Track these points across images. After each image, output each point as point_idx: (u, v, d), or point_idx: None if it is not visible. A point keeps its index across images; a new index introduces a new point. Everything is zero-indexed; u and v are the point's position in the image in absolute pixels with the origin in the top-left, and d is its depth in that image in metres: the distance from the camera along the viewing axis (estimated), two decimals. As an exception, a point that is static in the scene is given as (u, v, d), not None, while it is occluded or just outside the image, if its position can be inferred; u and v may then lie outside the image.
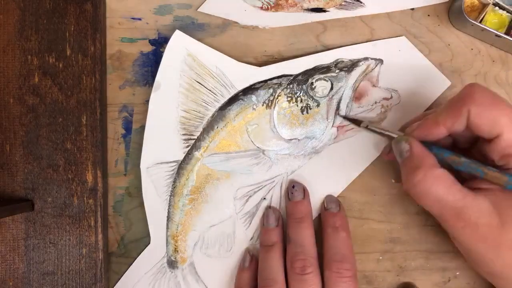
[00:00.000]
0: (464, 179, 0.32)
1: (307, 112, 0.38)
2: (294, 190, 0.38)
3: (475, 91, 0.31)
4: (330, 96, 0.37)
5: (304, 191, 0.38)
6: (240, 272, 0.38)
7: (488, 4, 0.37)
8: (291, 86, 0.38)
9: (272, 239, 0.37)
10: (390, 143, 0.34)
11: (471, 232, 0.30)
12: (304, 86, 0.38)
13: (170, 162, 0.38)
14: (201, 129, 0.38)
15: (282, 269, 0.36)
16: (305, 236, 0.36)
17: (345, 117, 0.37)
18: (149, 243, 0.39)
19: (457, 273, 0.39)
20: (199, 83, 0.38)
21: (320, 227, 0.38)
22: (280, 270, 0.35)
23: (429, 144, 0.32)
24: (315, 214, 0.39)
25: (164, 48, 0.38)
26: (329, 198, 0.38)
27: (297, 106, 0.38)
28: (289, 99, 0.38)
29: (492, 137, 0.30)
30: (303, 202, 0.37)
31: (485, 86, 0.31)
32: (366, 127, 0.36)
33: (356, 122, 0.37)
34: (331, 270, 0.35)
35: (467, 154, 0.32)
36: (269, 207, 0.39)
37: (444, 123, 0.31)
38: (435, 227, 0.39)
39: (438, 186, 0.30)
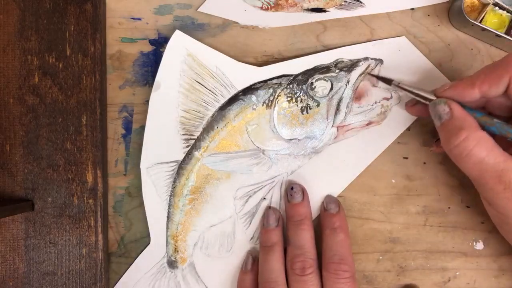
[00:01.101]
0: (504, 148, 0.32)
1: (307, 112, 0.38)
2: (293, 192, 0.38)
3: None
4: (330, 96, 0.37)
5: (303, 192, 0.38)
6: (242, 275, 0.38)
7: (488, 4, 0.37)
8: (291, 86, 0.38)
9: (272, 239, 0.37)
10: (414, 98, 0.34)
11: (511, 195, 0.30)
12: (304, 86, 0.38)
13: (170, 162, 0.38)
14: (201, 129, 0.38)
15: (283, 270, 0.36)
16: (305, 238, 0.36)
17: (377, 76, 0.37)
18: (149, 243, 0.39)
19: (457, 273, 0.39)
20: (199, 83, 0.38)
21: (320, 227, 0.38)
22: (280, 271, 0.35)
23: (461, 104, 0.32)
24: (315, 214, 0.39)
25: (164, 48, 0.38)
26: (328, 198, 0.38)
27: (297, 106, 0.38)
28: (289, 99, 0.38)
29: None
30: (302, 204, 0.37)
31: None
32: (397, 85, 0.35)
33: (386, 80, 0.36)
34: (329, 271, 0.35)
35: None
36: (269, 208, 0.39)
37: (480, 86, 0.31)
38: (435, 227, 0.39)
39: (481, 148, 0.30)
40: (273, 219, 0.38)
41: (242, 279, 0.38)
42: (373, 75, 0.37)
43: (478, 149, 0.30)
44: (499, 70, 0.31)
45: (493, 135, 0.31)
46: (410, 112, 0.37)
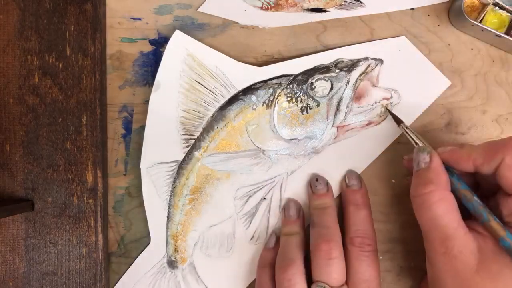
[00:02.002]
0: (468, 217, 0.32)
1: (307, 112, 0.38)
2: (318, 183, 0.38)
3: None
4: (330, 96, 0.37)
5: (328, 185, 0.38)
6: (264, 251, 0.38)
7: (488, 4, 0.37)
8: (291, 86, 0.38)
9: (294, 229, 0.37)
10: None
11: (448, 261, 0.30)
12: (304, 86, 0.38)
13: (170, 162, 0.38)
14: (201, 129, 0.38)
15: (302, 255, 0.35)
16: (330, 221, 0.36)
17: (390, 111, 0.38)
18: (149, 243, 0.39)
19: (457, 273, 0.39)
20: (199, 83, 0.38)
21: (342, 203, 0.38)
22: (299, 253, 0.35)
23: (452, 171, 0.32)
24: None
25: (164, 48, 0.38)
26: (350, 174, 0.38)
27: (297, 106, 0.38)
28: (289, 99, 0.38)
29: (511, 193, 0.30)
30: (327, 194, 0.37)
31: None
32: (405, 129, 0.36)
33: (397, 120, 0.37)
34: (354, 245, 0.34)
35: (479, 194, 0.32)
36: (290, 199, 0.39)
37: (475, 160, 0.31)
38: (435, 227, 0.39)
39: (439, 207, 0.31)
40: (294, 211, 0.38)
41: (264, 255, 0.38)
42: (388, 110, 0.38)
43: (437, 206, 0.31)
44: (496, 147, 0.31)
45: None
46: (407, 166, 0.37)
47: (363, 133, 0.38)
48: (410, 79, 0.38)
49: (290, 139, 0.38)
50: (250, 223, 0.39)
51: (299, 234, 0.37)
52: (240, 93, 0.38)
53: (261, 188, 0.39)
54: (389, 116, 0.38)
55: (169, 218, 0.39)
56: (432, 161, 0.32)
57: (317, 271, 0.34)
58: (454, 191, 0.32)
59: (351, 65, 0.37)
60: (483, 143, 0.33)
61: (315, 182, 0.38)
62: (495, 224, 0.30)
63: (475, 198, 0.31)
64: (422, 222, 0.32)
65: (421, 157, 0.33)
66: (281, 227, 0.38)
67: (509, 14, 0.37)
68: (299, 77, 0.38)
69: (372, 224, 0.36)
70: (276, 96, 0.38)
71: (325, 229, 0.35)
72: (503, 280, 0.30)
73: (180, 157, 0.38)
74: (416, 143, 0.34)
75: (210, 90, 0.38)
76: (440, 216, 0.30)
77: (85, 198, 0.38)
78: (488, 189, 0.34)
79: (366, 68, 0.37)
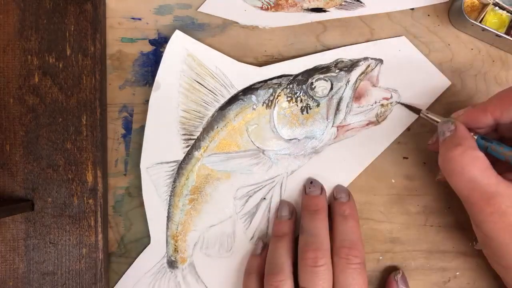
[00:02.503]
0: (501, 172, 0.32)
1: (307, 112, 0.38)
2: (312, 186, 0.38)
3: None
4: (330, 96, 0.37)
5: (322, 189, 0.38)
6: (251, 258, 0.38)
7: (488, 4, 0.37)
8: (291, 86, 0.38)
9: (284, 230, 0.37)
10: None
11: (498, 219, 0.30)
12: (304, 86, 0.38)
13: (170, 162, 0.38)
14: (201, 129, 0.38)
15: (291, 260, 0.35)
16: (320, 227, 0.35)
17: (403, 104, 0.38)
18: (149, 243, 0.39)
19: (457, 273, 0.39)
20: (199, 83, 0.38)
21: (331, 215, 0.38)
22: (288, 259, 0.35)
23: (475, 132, 0.32)
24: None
25: (164, 48, 0.38)
26: (338, 188, 0.38)
27: (297, 106, 0.38)
28: (289, 99, 0.38)
29: None
30: (320, 197, 0.37)
31: None
32: (426, 115, 0.36)
33: (415, 110, 0.37)
34: (339, 256, 0.34)
35: None
36: (283, 200, 0.38)
37: (493, 112, 0.31)
38: (435, 227, 0.39)
39: (474, 166, 0.30)
40: (287, 211, 0.38)
41: (251, 261, 0.38)
42: (403, 104, 0.38)
43: (471, 167, 0.30)
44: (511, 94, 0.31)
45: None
46: (432, 148, 0.37)
47: (363, 133, 0.38)
48: (410, 79, 0.38)
49: (290, 139, 0.38)
50: (250, 223, 0.39)
51: (288, 236, 0.36)
52: (240, 93, 0.38)
53: (261, 188, 0.39)
54: (390, 116, 0.38)
55: (169, 218, 0.39)
56: (457, 127, 0.32)
57: (303, 278, 0.34)
58: (482, 150, 0.31)
59: (351, 65, 0.37)
60: (493, 95, 0.32)
61: (309, 185, 0.38)
62: None
63: (505, 147, 0.31)
64: (459, 188, 0.31)
65: (445, 127, 0.33)
66: (273, 227, 0.38)
67: (509, 14, 0.37)
68: (299, 77, 0.38)
69: (360, 236, 0.36)
70: (276, 96, 0.38)
71: (313, 236, 0.35)
72: None
73: (180, 157, 0.38)
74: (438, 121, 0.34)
75: (210, 90, 0.38)
76: (478, 176, 0.30)
77: (85, 198, 0.38)
78: None
79: (366, 68, 0.37)
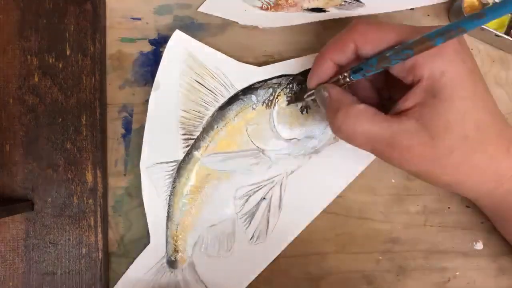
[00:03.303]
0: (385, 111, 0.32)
1: (307, 112, 0.38)
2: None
3: (359, 23, 0.31)
4: (330, 96, 0.37)
5: None
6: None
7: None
8: (290, 86, 0.38)
9: None
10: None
11: (408, 155, 0.30)
12: (304, 85, 0.37)
13: (170, 162, 0.38)
14: (201, 129, 0.38)
15: None
16: None
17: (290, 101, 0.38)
18: (149, 243, 0.39)
19: (457, 273, 0.39)
20: (199, 83, 0.38)
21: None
22: None
23: (358, 67, 0.31)
24: (316, 211, 0.39)
25: (164, 48, 0.38)
26: None
27: (297, 106, 0.38)
28: (288, 98, 0.38)
29: None
30: None
31: (369, 21, 0.31)
32: (307, 98, 0.35)
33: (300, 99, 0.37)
34: None
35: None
36: None
37: (331, 56, 0.31)
38: (435, 227, 0.39)
39: (362, 121, 0.30)
40: None
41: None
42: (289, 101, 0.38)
43: (360, 123, 0.30)
44: (343, 37, 0.31)
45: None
46: None
47: (363, 133, 0.38)
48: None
49: (290, 139, 0.38)
50: (250, 223, 0.39)
51: None
52: (240, 93, 0.38)
53: (261, 188, 0.39)
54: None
55: (169, 218, 0.39)
56: (330, 92, 0.32)
57: None
58: (365, 77, 0.31)
59: (351, 65, 0.37)
60: (353, 26, 0.32)
61: None
62: (417, 42, 0.27)
63: (373, 59, 0.30)
64: (362, 146, 0.31)
65: (322, 97, 0.32)
66: None
67: (509, 14, 0.37)
68: (299, 77, 0.38)
69: None
70: (276, 96, 0.38)
71: None
72: (452, 125, 0.29)
73: (180, 157, 0.38)
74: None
75: (210, 90, 0.38)
76: (369, 128, 0.30)
77: (85, 198, 0.38)
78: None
79: (366, 68, 0.37)
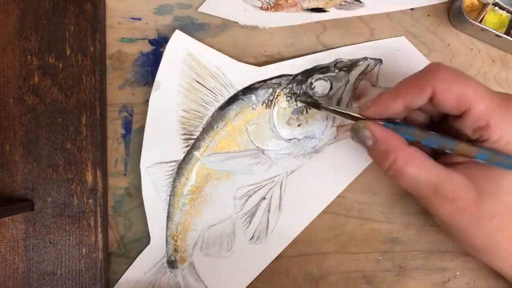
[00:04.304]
0: (438, 156, 0.32)
1: (307, 112, 0.38)
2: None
3: (439, 68, 0.30)
4: (330, 96, 0.37)
5: None
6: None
7: (488, 4, 0.37)
8: (290, 86, 0.38)
9: None
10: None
11: (449, 207, 0.30)
12: (303, 86, 0.37)
13: (170, 162, 0.38)
14: (201, 129, 0.38)
15: None
16: None
17: (305, 102, 0.37)
18: (149, 243, 0.39)
19: (457, 273, 0.39)
20: (199, 83, 0.38)
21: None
22: None
23: (396, 123, 0.31)
24: (316, 211, 0.39)
25: (164, 48, 0.38)
26: None
27: (297, 105, 0.38)
28: (288, 98, 0.38)
29: (461, 113, 0.30)
30: None
31: (449, 66, 0.31)
32: (326, 108, 0.35)
33: (315, 105, 0.36)
34: None
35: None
36: None
37: (404, 98, 0.31)
38: (435, 227, 0.39)
39: (411, 165, 0.30)
40: None
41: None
42: (303, 101, 0.37)
43: (409, 167, 0.30)
44: (422, 79, 0.30)
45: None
46: (344, 137, 0.36)
47: (363, 133, 0.38)
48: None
49: (290, 139, 0.38)
50: (250, 223, 0.39)
51: None
52: (240, 93, 0.38)
53: (261, 188, 0.39)
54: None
55: (169, 218, 0.39)
56: (375, 133, 0.31)
57: None
58: (410, 140, 0.31)
59: (351, 65, 0.37)
60: (402, 80, 0.32)
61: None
62: (462, 146, 0.29)
63: (432, 133, 0.30)
64: (406, 187, 0.31)
65: (362, 136, 0.32)
66: None
67: (509, 14, 0.37)
68: (299, 77, 0.38)
69: None
70: (275, 96, 0.38)
71: None
72: (502, 192, 0.30)
73: (180, 157, 0.38)
74: (351, 117, 0.33)
75: (210, 90, 0.38)
76: (417, 172, 0.30)
77: (85, 198, 0.38)
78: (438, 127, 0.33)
79: (366, 68, 0.37)
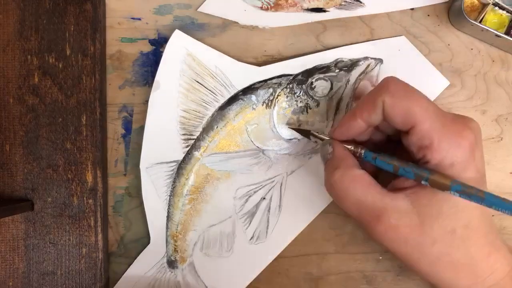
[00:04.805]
0: (387, 181, 0.32)
1: (307, 112, 0.38)
2: None
3: (389, 82, 0.30)
4: (330, 96, 0.37)
5: None
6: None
7: (488, 4, 0.37)
8: (290, 85, 0.38)
9: None
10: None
11: (392, 234, 0.30)
12: (304, 85, 0.37)
13: (170, 162, 0.38)
14: (200, 129, 0.38)
15: None
16: None
17: (293, 128, 0.37)
18: (149, 243, 0.39)
19: (457, 273, 0.39)
20: (199, 82, 0.38)
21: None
22: None
23: (374, 152, 0.31)
24: (316, 211, 0.39)
25: (164, 48, 0.38)
26: None
27: (297, 105, 0.38)
28: (289, 98, 0.38)
29: (407, 129, 0.30)
30: None
31: (401, 80, 0.31)
32: (315, 135, 0.35)
33: (305, 132, 0.36)
34: None
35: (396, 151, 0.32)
36: None
37: (361, 116, 0.31)
38: (435, 227, 0.39)
39: (356, 186, 0.30)
40: None
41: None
42: (293, 128, 0.37)
43: (353, 187, 0.30)
44: (374, 95, 0.30)
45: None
46: None
47: (363, 133, 0.38)
48: (409, 79, 0.38)
49: (290, 139, 0.38)
50: (250, 223, 0.39)
51: None
52: (240, 93, 0.38)
53: (261, 188, 0.39)
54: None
55: (168, 218, 0.39)
56: (334, 149, 0.32)
57: None
58: (388, 170, 0.31)
59: (351, 65, 0.37)
60: (360, 99, 0.32)
61: None
62: (438, 176, 0.28)
63: (410, 163, 0.30)
64: (348, 210, 0.31)
65: (325, 151, 0.32)
66: None
67: (509, 14, 0.37)
68: (299, 77, 0.38)
69: None
70: (276, 96, 0.38)
71: None
72: (443, 216, 0.29)
73: (180, 157, 0.38)
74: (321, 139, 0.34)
75: (209, 90, 0.38)
76: (361, 195, 0.30)
77: (85, 198, 0.38)
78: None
79: (366, 68, 0.37)
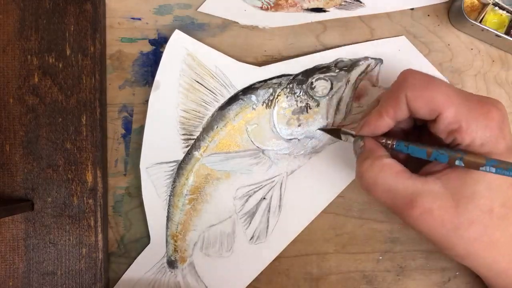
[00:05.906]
0: (415, 171, 0.32)
1: (307, 112, 0.38)
2: None
3: (408, 76, 0.30)
4: (330, 96, 0.37)
5: None
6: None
7: (488, 4, 0.37)
8: (291, 85, 0.38)
9: None
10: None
11: (427, 218, 0.30)
12: (304, 85, 0.38)
13: (170, 162, 0.38)
14: (200, 129, 0.38)
15: None
16: None
17: (325, 130, 0.37)
18: (149, 243, 0.39)
19: (457, 273, 0.39)
20: (199, 82, 0.38)
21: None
22: None
23: (406, 142, 0.31)
24: (316, 211, 0.39)
25: (164, 48, 0.38)
26: None
27: (297, 105, 0.38)
28: (289, 98, 0.38)
29: (434, 117, 0.30)
30: None
31: (418, 71, 0.31)
32: (345, 134, 0.35)
33: (335, 132, 0.36)
34: None
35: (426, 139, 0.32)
36: None
37: (387, 114, 0.31)
38: (435, 227, 0.39)
39: (386, 174, 0.30)
40: None
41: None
42: (322, 129, 0.37)
43: (383, 176, 0.30)
44: (395, 91, 0.30)
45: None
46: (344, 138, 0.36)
47: (363, 133, 0.38)
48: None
49: (290, 139, 0.38)
50: (250, 223, 0.39)
51: None
52: (240, 93, 0.38)
53: (261, 188, 0.39)
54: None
55: (168, 218, 0.39)
56: (365, 142, 0.32)
57: None
58: (421, 157, 0.31)
59: (351, 65, 0.37)
60: (384, 96, 0.32)
61: None
62: (471, 156, 0.29)
63: (442, 147, 0.30)
64: (380, 199, 0.31)
65: (356, 146, 0.33)
66: None
67: (509, 14, 0.37)
68: (299, 77, 0.38)
69: None
70: (276, 96, 0.38)
71: None
72: (478, 196, 0.29)
73: (180, 157, 0.38)
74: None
75: (209, 90, 0.38)
76: (392, 182, 0.30)
77: (85, 198, 0.38)
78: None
79: (366, 68, 0.37)
